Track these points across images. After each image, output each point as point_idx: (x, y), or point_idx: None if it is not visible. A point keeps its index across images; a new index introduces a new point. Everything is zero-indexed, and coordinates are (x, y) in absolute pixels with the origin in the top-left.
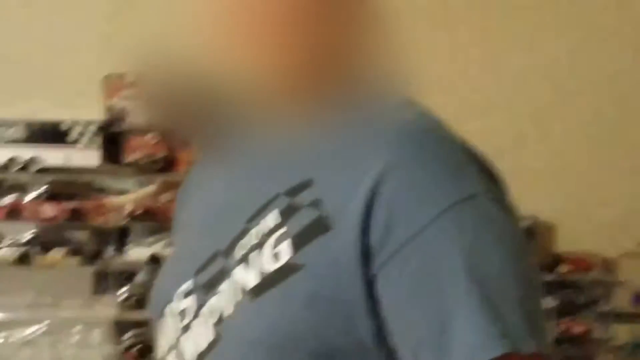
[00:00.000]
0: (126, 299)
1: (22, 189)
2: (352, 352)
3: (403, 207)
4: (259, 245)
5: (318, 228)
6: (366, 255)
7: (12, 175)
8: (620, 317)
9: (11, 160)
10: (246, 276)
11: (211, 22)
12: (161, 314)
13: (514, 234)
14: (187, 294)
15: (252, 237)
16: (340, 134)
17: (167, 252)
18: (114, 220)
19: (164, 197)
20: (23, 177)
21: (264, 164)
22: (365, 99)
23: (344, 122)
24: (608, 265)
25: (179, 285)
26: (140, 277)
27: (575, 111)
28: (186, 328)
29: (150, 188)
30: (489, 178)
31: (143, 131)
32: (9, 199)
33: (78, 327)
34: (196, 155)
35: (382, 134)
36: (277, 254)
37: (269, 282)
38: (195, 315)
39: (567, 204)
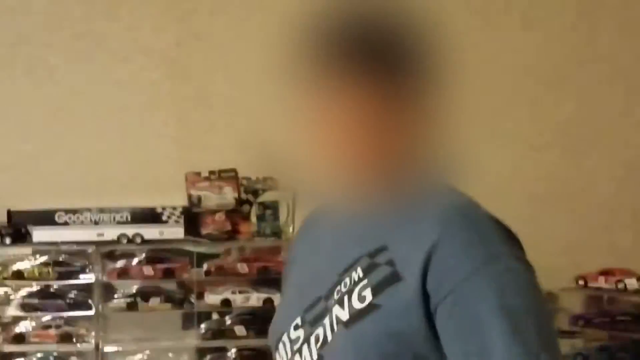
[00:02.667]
0: (205, 332)
1: (129, 256)
2: None
3: (449, 267)
4: (349, 292)
5: (392, 279)
6: (426, 298)
7: (121, 247)
8: (562, 333)
9: (120, 236)
10: (341, 313)
11: (322, 151)
12: (278, 342)
13: (531, 281)
14: (297, 327)
15: (343, 286)
16: (403, 213)
17: (239, 297)
18: (195, 276)
19: (230, 259)
20: (129, 248)
21: (350, 235)
22: (419, 185)
23: (405, 204)
24: (551, 297)
25: (292, 321)
26: (214, 316)
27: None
28: (298, 351)
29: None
30: (512, 242)
31: (213, 212)
32: (119, 264)
33: (171, 355)
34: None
35: (435, 215)
36: (362, 297)
37: (357, 316)
38: (304, 342)
39: None
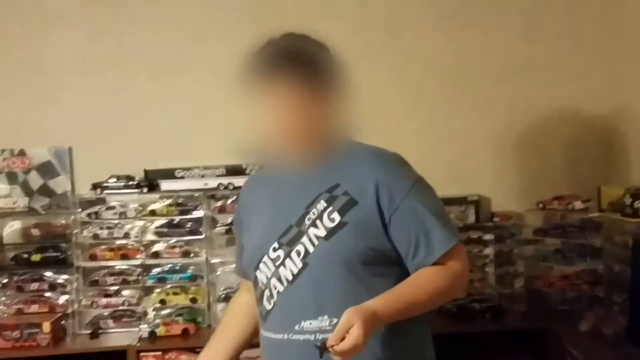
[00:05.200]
0: None
1: (225, 198)
2: (379, 260)
3: (393, 191)
4: (319, 217)
5: (352, 204)
6: (381, 212)
7: (219, 192)
8: (528, 242)
9: (219, 185)
10: (318, 232)
11: (275, 130)
12: (259, 263)
13: (432, 189)
14: (275, 249)
15: (312, 215)
16: (342, 161)
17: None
18: None
19: None
20: (225, 193)
21: (307, 180)
22: (338, 144)
23: (338, 156)
24: (518, 216)
25: (270, 245)
26: None
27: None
28: (281, 264)
29: None
30: (411, 167)
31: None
32: (219, 203)
33: None
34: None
35: (370, 160)
36: (332, 219)
37: (332, 231)
38: (286, 257)
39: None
